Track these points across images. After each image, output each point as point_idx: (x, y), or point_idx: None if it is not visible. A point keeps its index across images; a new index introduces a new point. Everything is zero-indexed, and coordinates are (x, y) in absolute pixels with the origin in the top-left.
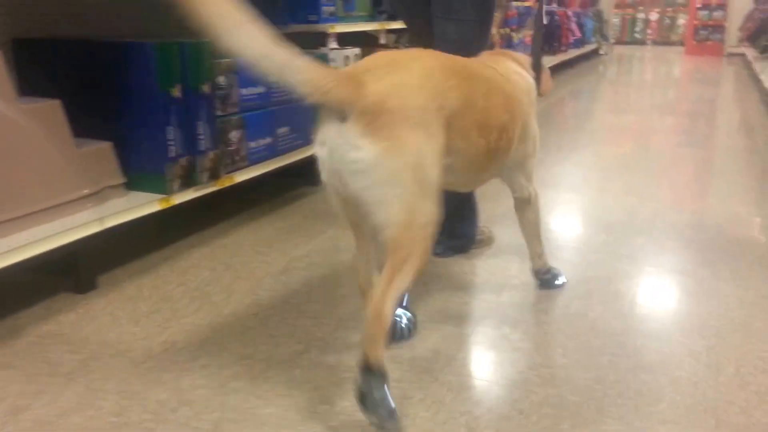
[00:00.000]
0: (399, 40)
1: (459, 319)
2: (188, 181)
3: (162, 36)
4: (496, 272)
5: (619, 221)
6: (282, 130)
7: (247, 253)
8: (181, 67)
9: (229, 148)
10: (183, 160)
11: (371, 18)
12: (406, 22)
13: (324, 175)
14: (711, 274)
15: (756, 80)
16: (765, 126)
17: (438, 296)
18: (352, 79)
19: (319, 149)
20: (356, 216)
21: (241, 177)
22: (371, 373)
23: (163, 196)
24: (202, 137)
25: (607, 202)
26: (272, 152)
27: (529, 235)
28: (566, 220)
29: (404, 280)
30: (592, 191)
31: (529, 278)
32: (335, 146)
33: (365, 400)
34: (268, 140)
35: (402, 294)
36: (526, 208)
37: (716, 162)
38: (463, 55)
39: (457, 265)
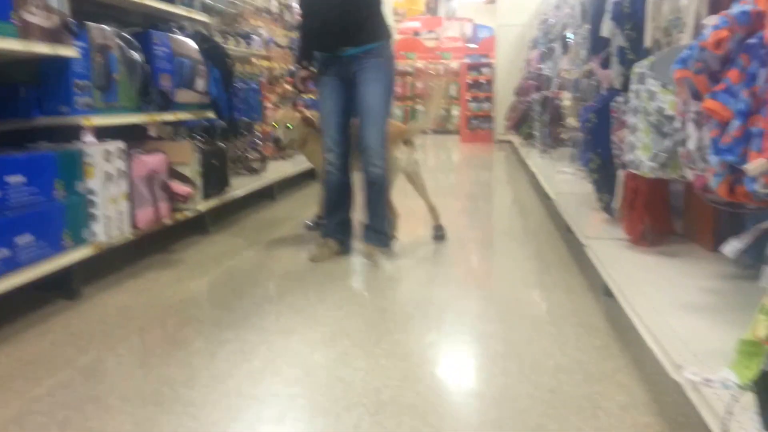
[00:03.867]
0: (177, 132)
1: None
2: None
3: None
4: None
5: (410, 316)
6: (23, 239)
7: None
8: None
9: None
10: None
11: (138, 109)
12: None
13: None
14: (501, 370)
15: (523, 164)
16: (535, 206)
17: None
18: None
19: None
20: None
21: None
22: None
23: None
24: None
25: (399, 294)
26: (10, 265)
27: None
28: (356, 320)
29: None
30: (382, 282)
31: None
32: None
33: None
34: (4, 252)
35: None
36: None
37: (498, 243)
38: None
39: None
